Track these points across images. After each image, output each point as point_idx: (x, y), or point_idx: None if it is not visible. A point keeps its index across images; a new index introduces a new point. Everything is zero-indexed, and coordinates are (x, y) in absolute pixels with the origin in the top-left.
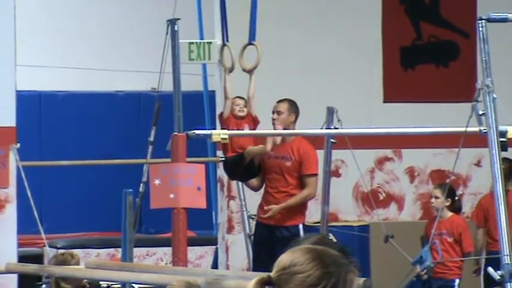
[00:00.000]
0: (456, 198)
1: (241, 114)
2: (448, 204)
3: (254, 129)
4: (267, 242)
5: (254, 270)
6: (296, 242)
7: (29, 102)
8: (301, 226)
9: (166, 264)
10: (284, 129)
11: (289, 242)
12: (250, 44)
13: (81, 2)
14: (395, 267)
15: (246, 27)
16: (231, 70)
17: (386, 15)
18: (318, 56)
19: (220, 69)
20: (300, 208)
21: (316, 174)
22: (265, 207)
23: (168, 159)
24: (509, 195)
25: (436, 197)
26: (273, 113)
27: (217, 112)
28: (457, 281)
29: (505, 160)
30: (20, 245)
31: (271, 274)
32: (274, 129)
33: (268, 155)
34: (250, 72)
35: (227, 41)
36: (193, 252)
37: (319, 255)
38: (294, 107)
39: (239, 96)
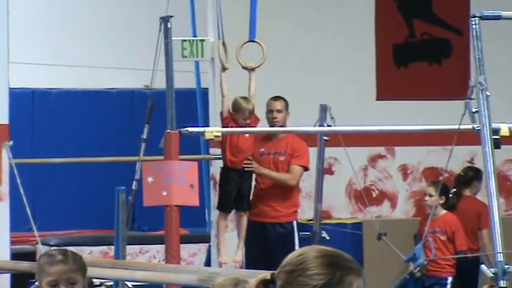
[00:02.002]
0: (450, 195)
1: (247, 122)
2: (441, 202)
3: (254, 126)
4: (261, 239)
5: (247, 267)
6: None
7: (22, 100)
8: (295, 223)
9: (159, 261)
10: (280, 126)
11: (284, 238)
12: (251, 41)
13: None
14: (388, 265)
15: (239, 24)
16: (226, 68)
17: (379, 13)
18: (311, 53)
19: (214, 66)
20: (294, 204)
21: (303, 167)
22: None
23: (161, 157)
24: (463, 200)
25: (430, 195)
26: (271, 111)
27: (210, 109)
28: (450, 279)
29: (470, 169)
30: (12, 242)
31: (275, 272)
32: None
33: (260, 152)
34: (251, 70)
35: (223, 38)
36: (186, 249)
37: (319, 255)
38: (287, 103)
39: (246, 99)
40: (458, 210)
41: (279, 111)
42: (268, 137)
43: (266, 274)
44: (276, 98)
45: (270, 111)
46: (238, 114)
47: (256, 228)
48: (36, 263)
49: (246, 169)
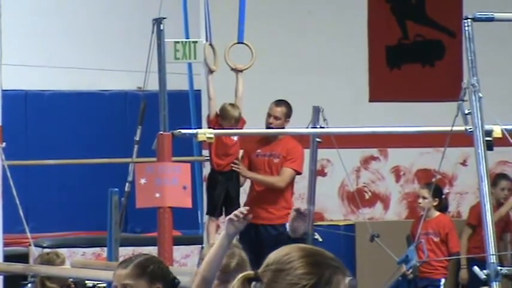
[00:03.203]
0: (443, 197)
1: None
2: (435, 204)
3: (241, 129)
4: (254, 241)
5: None
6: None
7: (15, 101)
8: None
9: None
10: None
11: (276, 240)
12: (240, 43)
13: (67, 0)
14: (381, 267)
15: (229, 26)
16: (213, 70)
17: (372, 14)
18: (304, 55)
19: (206, 69)
20: (287, 207)
21: (295, 171)
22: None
23: (154, 159)
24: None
25: (424, 197)
26: (269, 116)
27: (203, 111)
28: (443, 280)
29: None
30: (5, 244)
31: (259, 270)
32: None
33: (256, 153)
34: (239, 72)
35: (211, 40)
36: (178, 251)
37: (305, 254)
38: (289, 110)
39: (233, 105)
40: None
41: (276, 117)
42: (266, 139)
43: (250, 272)
44: (279, 104)
45: (268, 115)
46: (224, 120)
47: (249, 229)
48: (28, 265)
49: (233, 169)
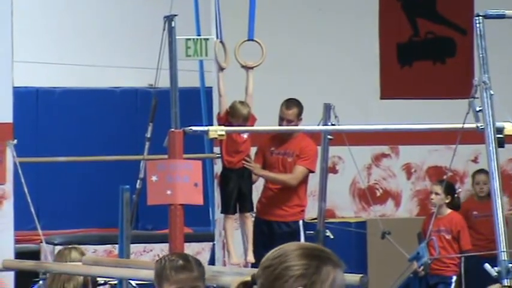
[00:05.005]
0: (455, 195)
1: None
2: (447, 201)
3: (252, 126)
4: (267, 238)
5: (252, 266)
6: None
7: (26, 98)
8: (301, 222)
9: None
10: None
11: (290, 237)
12: (250, 40)
13: None
14: (392, 264)
15: (239, 23)
16: (224, 68)
17: (383, 12)
18: (315, 52)
19: (216, 66)
20: (300, 204)
21: (308, 169)
22: (246, 164)
23: (165, 156)
24: None
25: (436, 193)
26: (282, 119)
27: (214, 108)
28: (454, 277)
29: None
30: (17, 241)
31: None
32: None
33: (270, 151)
34: (250, 69)
35: (221, 38)
36: (190, 248)
37: (297, 248)
38: (300, 109)
39: (243, 103)
40: None
41: (289, 120)
42: (280, 138)
43: (247, 276)
44: (289, 106)
45: (281, 118)
46: (233, 118)
47: (263, 226)
48: (39, 261)
49: (245, 166)
